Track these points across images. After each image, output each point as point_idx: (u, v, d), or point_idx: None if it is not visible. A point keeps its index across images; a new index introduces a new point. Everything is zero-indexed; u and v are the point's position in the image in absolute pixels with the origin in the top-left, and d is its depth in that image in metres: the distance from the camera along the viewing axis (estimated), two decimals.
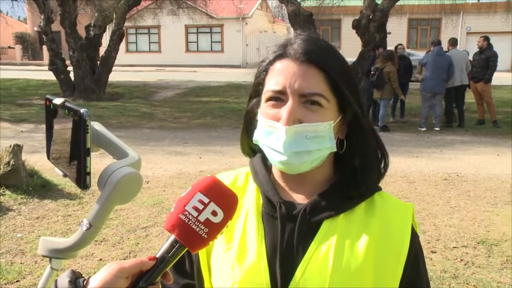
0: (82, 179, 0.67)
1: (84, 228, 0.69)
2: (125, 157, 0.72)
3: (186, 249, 0.73)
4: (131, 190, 0.70)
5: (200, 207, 0.72)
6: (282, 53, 0.90)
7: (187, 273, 1.02)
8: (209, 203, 0.73)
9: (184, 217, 0.72)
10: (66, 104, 0.69)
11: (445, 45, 10.38)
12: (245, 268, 0.90)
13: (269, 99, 0.90)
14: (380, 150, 0.97)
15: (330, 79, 0.88)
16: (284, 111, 0.87)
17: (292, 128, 0.86)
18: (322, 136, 0.88)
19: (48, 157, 0.76)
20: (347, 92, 0.89)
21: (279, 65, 0.90)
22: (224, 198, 0.74)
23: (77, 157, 0.67)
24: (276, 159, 0.90)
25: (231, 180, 1.02)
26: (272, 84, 0.89)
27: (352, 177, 0.94)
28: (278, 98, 0.88)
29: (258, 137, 0.92)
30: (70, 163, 0.69)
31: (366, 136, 0.94)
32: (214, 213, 0.72)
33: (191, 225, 0.72)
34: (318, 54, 0.88)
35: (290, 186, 0.96)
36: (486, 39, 10.02)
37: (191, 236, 0.72)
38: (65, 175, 0.71)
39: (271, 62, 0.92)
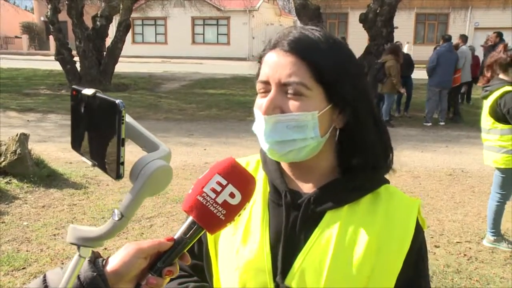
0: (116, 169, 0.67)
1: (116, 218, 0.69)
2: (156, 149, 0.73)
3: (204, 230, 0.74)
4: (162, 183, 0.71)
5: (218, 189, 0.72)
6: (274, 45, 0.91)
7: (196, 254, 1.04)
8: (227, 185, 0.73)
9: (202, 199, 0.72)
10: (98, 94, 0.69)
11: (454, 40, 10.29)
12: (248, 253, 0.92)
13: (259, 89, 0.92)
14: (384, 143, 0.95)
15: (313, 69, 0.86)
16: (265, 100, 0.88)
17: (271, 118, 0.88)
18: (304, 125, 0.87)
19: (73, 147, 0.76)
20: (335, 82, 0.87)
21: (267, 56, 0.92)
22: (242, 180, 0.74)
23: (110, 147, 0.67)
24: (263, 147, 0.93)
25: None
26: (260, 75, 0.92)
27: (358, 169, 0.92)
28: (265, 88, 0.90)
29: (254, 126, 0.94)
30: (101, 153, 0.69)
31: (364, 127, 0.91)
32: (232, 195, 0.72)
33: (208, 206, 0.72)
34: (303, 45, 0.88)
35: (297, 176, 0.97)
36: (499, 35, 9.99)
37: (208, 217, 0.72)
38: (94, 165, 0.71)
39: (264, 54, 0.93)
